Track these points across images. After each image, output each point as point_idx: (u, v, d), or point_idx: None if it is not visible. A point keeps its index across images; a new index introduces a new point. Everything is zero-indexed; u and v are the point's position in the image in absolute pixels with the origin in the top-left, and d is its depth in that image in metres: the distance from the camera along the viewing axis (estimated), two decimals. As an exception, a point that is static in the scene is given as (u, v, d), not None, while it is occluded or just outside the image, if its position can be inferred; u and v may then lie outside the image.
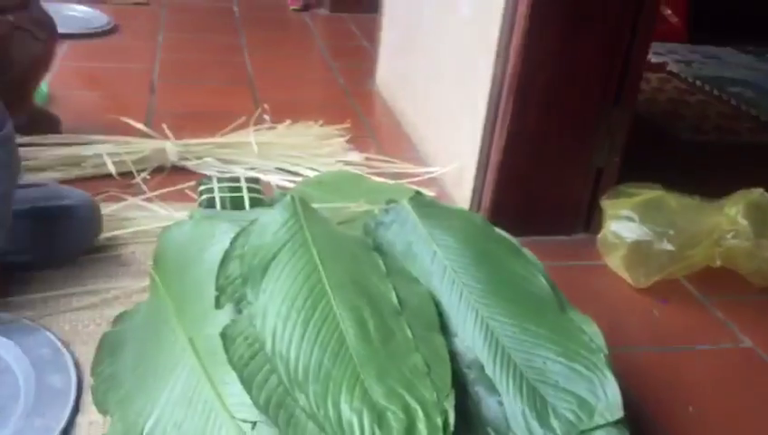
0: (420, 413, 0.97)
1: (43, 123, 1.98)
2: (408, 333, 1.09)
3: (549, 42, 1.64)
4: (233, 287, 1.16)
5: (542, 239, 1.76)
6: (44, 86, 2.17)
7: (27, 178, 1.57)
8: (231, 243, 1.23)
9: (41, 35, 1.82)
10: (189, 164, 1.98)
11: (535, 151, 1.75)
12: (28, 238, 1.40)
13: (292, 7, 3.94)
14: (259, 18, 3.75)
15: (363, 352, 1.04)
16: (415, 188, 1.88)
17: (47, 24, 1.86)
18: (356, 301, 1.12)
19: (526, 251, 1.27)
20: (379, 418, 0.96)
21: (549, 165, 1.78)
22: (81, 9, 3.18)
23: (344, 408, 0.97)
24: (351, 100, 2.70)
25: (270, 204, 1.64)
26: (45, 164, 1.81)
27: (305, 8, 3.96)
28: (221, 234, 1.29)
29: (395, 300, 1.14)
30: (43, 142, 1.86)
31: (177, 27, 3.37)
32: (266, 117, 2.29)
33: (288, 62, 3.12)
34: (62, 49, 2.68)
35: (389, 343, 1.07)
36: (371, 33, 3.17)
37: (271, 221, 1.25)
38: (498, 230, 1.34)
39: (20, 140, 1.84)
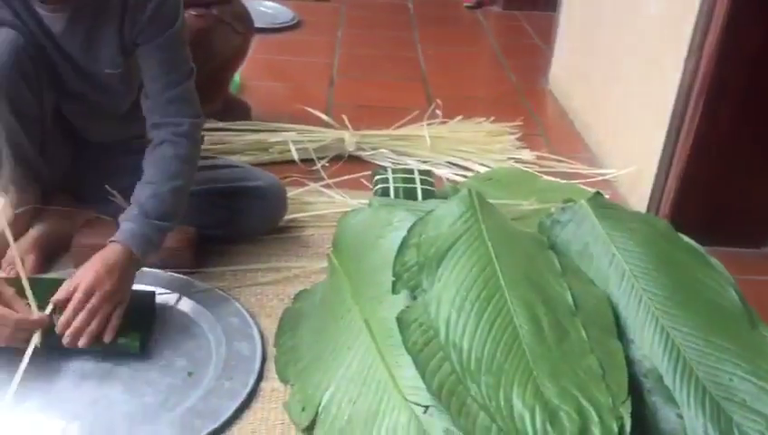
0: (594, 416, 0.95)
1: (236, 111, 2.13)
2: (583, 334, 1.08)
3: (749, 42, 1.54)
4: (409, 274, 1.20)
5: (728, 251, 1.65)
6: (237, 76, 2.33)
7: (225, 159, 1.69)
8: (408, 231, 1.27)
9: (240, 28, 1.96)
10: (365, 154, 2.05)
11: (725, 158, 1.65)
12: (224, 214, 1.52)
13: (465, 4, 3.95)
14: (432, 15, 3.80)
15: (536, 349, 1.04)
16: (588, 189, 1.84)
17: (246, 18, 2.00)
18: (530, 297, 1.12)
19: (715, 261, 1.21)
20: (552, 416, 0.96)
21: (739, 173, 1.67)
22: (270, 5, 3.38)
23: (516, 402, 0.98)
24: (523, 98, 2.68)
25: (441, 196, 1.67)
26: (237, 148, 1.95)
27: (478, 5, 3.96)
28: (398, 222, 1.33)
29: (570, 300, 1.13)
30: (235, 128, 2.01)
31: (355, 23, 3.49)
32: (438, 112, 2.32)
33: (460, 59, 3.14)
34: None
35: (563, 343, 1.06)
36: (545, 32, 3.12)
37: (447, 213, 1.28)
38: (684, 238, 1.29)
39: (216, 125, 2.01)
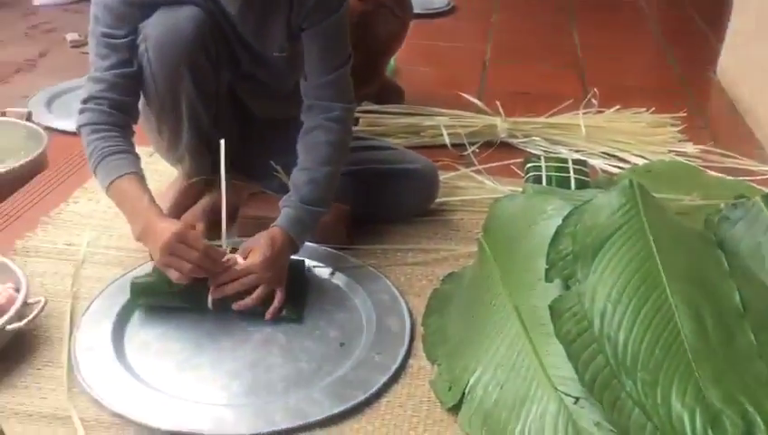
0: (761, 423, 0.90)
1: (391, 94, 2.17)
2: (752, 337, 1.02)
3: None
4: (563, 263, 1.18)
5: None
6: (393, 60, 2.37)
7: (380, 140, 1.73)
8: (563, 220, 1.24)
9: (399, 13, 1.99)
10: (516, 141, 2.03)
11: None
12: (378, 195, 1.56)
13: (626, -10, 3.79)
14: (590, 1, 3.68)
15: (699, 349, 0.99)
16: (758, 187, 1.72)
17: (405, 2, 2.03)
18: (693, 295, 1.07)
19: None
20: (714, 420, 0.91)
21: None
22: (425, -10, 3.40)
23: (675, 402, 0.94)
24: (687, 88, 2.54)
25: (595, 187, 1.62)
26: (391, 130, 1.99)
27: (641, -9, 3.79)
28: (553, 210, 1.31)
29: (738, 301, 1.07)
30: (390, 111, 2.05)
31: (510, 9, 3.44)
32: (594, 101, 2.25)
33: (619, 47, 3.02)
34: (406, 27, 2.90)
35: (729, 346, 1.01)
36: (713, 19, 2.93)
37: (606, 203, 1.24)
38: None
39: (371, 107, 2.06)
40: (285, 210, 1.35)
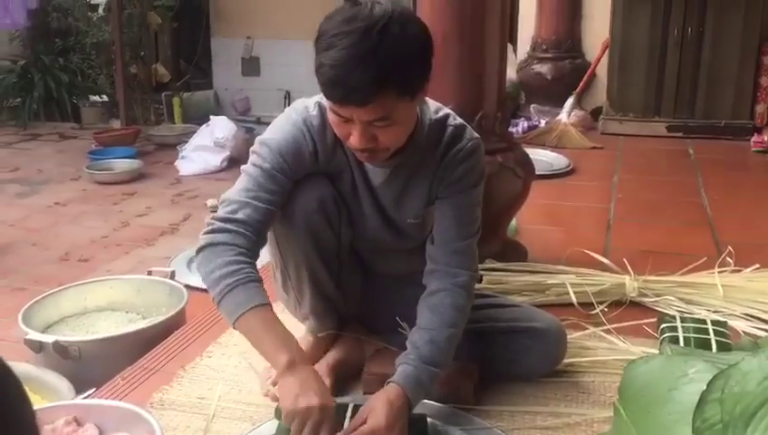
0: None
1: (513, 252, 2.18)
2: None
3: None
4: (710, 432, 1.09)
5: None
6: (514, 220, 2.40)
7: (505, 298, 1.72)
8: (708, 385, 1.16)
9: (521, 174, 2.04)
10: (647, 300, 1.96)
11: None
12: (504, 353, 1.52)
13: (754, 149, 3.72)
14: (716, 160, 3.63)
15: None
16: None
17: (527, 164, 2.09)
18: None
19: None
20: None
21: None
22: (545, 153, 3.49)
23: None
24: (832, 246, 2.39)
25: (739, 350, 1.51)
26: (514, 288, 1.97)
27: (770, 149, 3.71)
28: (695, 373, 1.23)
29: None
30: (513, 269, 2.05)
31: (632, 169, 3.45)
32: (729, 259, 2.15)
33: (751, 205, 2.92)
34: (526, 188, 2.96)
35: None
36: None
37: (755, 368, 1.15)
38: None
39: (494, 265, 2.07)
40: (404, 367, 1.34)
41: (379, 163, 1.39)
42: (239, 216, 1.33)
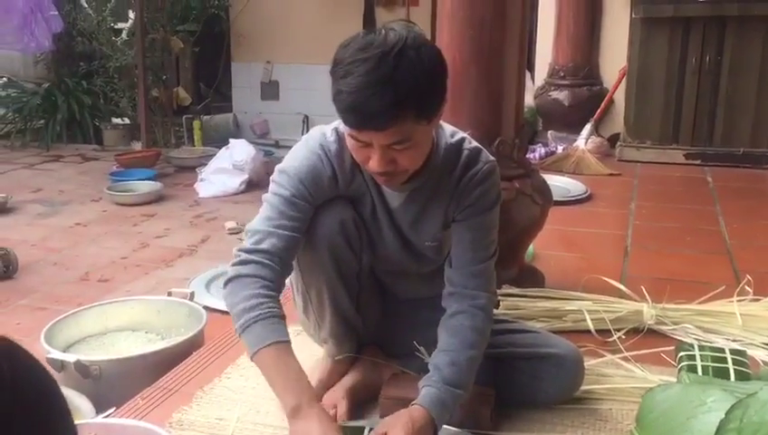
0: None
1: (530, 278, 2.18)
2: None
3: None
4: (729, 462, 1.08)
5: None
6: (531, 246, 2.40)
7: (522, 324, 1.72)
8: (726, 414, 1.16)
9: (539, 200, 2.05)
10: (665, 328, 1.95)
11: None
12: (521, 378, 1.53)
13: (773, 176, 3.71)
14: (735, 188, 3.62)
15: None
16: None
17: (545, 190, 2.10)
18: None
19: None
20: None
21: None
22: (562, 179, 3.50)
23: None
24: None
25: (757, 380, 1.51)
26: (531, 314, 1.97)
27: (789, 177, 3.70)
28: (713, 402, 1.23)
29: None
30: (530, 295, 2.05)
31: (649, 196, 3.44)
32: (748, 288, 2.14)
33: (769, 234, 2.91)
34: (543, 214, 2.96)
35: None
36: None
37: (774, 397, 1.15)
38: None
39: (512, 290, 2.07)
40: (427, 389, 1.35)
41: (396, 186, 1.41)
42: (264, 246, 1.36)
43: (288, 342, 1.32)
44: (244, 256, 1.36)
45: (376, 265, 1.57)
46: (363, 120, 1.23)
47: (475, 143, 1.47)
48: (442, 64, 1.28)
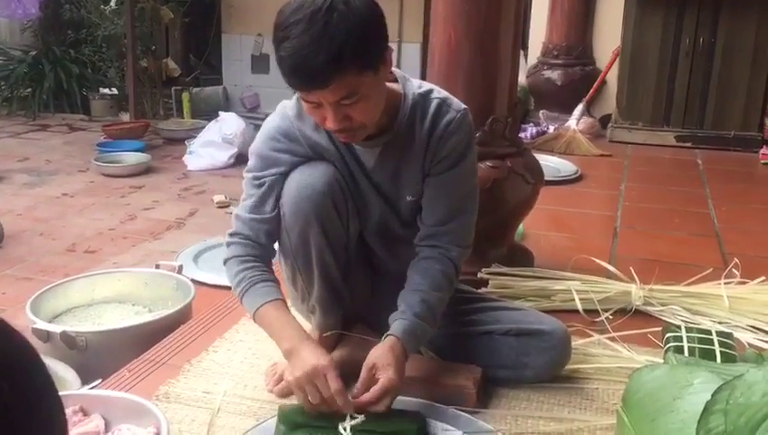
0: None
1: (519, 257, 2.18)
2: None
3: None
4: (714, 443, 1.09)
5: None
6: (521, 225, 2.40)
7: (510, 302, 1.72)
8: (712, 395, 1.16)
9: (530, 179, 2.04)
10: (653, 309, 1.96)
11: None
12: (508, 356, 1.53)
13: (762, 161, 3.72)
14: (725, 172, 3.63)
15: None
16: None
17: (536, 170, 2.09)
18: None
19: None
20: None
21: None
22: (553, 159, 3.49)
23: None
24: (837, 261, 2.39)
25: (743, 362, 1.52)
26: (520, 293, 1.98)
27: (778, 161, 3.71)
28: (700, 383, 1.23)
29: None
30: (519, 274, 2.05)
31: (639, 178, 3.45)
32: (736, 271, 2.15)
33: (758, 217, 2.92)
34: (533, 193, 2.96)
35: None
36: None
37: (760, 380, 1.15)
38: None
39: (501, 269, 2.07)
40: (399, 322, 1.41)
41: (362, 141, 1.42)
42: (247, 230, 1.47)
43: (283, 300, 1.44)
44: (233, 239, 1.49)
45: (364, 231, 1.57)
46: (306, 81, 1.26)
47: (444, 93, 1.48)
48: (375, 12, 1.29)
